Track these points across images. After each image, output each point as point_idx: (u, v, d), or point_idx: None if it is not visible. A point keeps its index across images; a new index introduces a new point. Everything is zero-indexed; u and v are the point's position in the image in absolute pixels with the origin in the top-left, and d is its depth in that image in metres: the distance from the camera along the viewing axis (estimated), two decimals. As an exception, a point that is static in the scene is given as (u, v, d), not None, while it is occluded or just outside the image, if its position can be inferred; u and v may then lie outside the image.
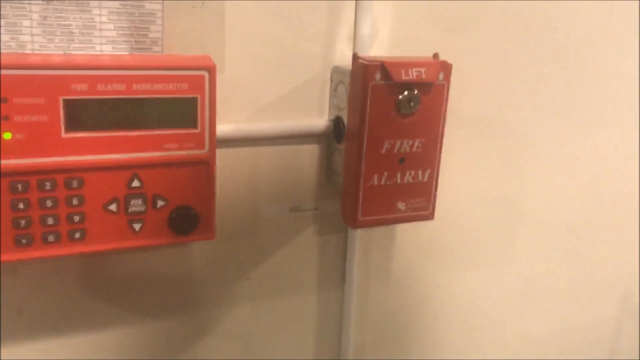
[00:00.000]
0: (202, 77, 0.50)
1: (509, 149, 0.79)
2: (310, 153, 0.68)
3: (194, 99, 0.51)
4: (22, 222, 0.48)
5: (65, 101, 0.47)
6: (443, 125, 0.62)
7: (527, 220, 0.85)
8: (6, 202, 0.47)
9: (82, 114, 0.48)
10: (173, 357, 0.68)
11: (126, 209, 0.51)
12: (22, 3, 0.53)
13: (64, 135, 0.48)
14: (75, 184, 0.49)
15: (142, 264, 0.64)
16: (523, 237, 0.85)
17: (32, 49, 0.54)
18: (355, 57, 0.59)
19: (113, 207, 0.50)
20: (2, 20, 0.52)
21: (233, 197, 0.66)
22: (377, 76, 0.57)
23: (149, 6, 0.57)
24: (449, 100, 0.61)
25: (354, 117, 0.59)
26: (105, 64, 0.47)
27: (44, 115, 0.46)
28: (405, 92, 0.58)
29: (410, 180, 0.62)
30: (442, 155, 0.65)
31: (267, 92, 0.64)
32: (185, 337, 0.69)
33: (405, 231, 0.76)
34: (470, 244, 0.81)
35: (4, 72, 0.45)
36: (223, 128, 0.62)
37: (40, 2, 0.53)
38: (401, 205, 0.62)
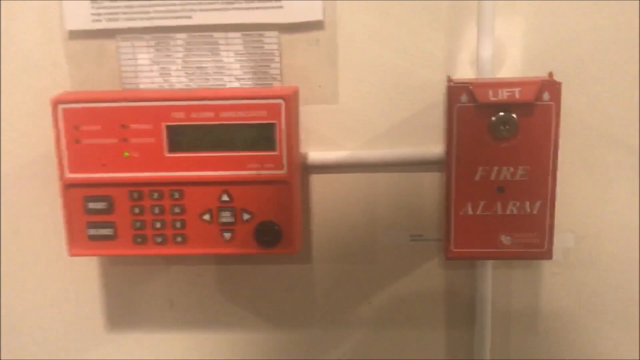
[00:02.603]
0: (279, 105, 0.55)
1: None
2: (431, 181, 0.66)
3: (272, 125, 0.56)
4: (138, 224, 0.59)
5: (168, 127, 0.57)
6: (555, 151, 0.54)
7: None
8: (127, 207, 0.59)
9: (180, 138, 0.57)
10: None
11: (218, 219, 0.59)
12: (170, 52, 0.65)
13: (167, 155, 0.58)
14: (176, 195, 0.58)
15: (270, 276, 0.71)
16: None
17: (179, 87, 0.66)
18: (448, 80, 0.56)
19: (207, 217, 0.59)
20: (156, 66, 0.66)
21: (351, 220, 0.68)
22: (464, 98, 0.54)
23: (267, 46, 0.64)
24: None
25: (446, 142, 0.56)
26: (197, 96, 0.56)
27: (152, 138, 0.57)
28: (499, 115, 0.54)
29: (515, 211, 0.56)
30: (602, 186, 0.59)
31: (383, 120, 0.65)
32: (308, 351, 0.73)
33: (557, 275, 0.68)
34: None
35: (124, 104, 0.57)
36: (338, 154, 0.66)
37: (181, 49, 0.65)
38: (505, 240, 0.57)
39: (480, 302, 0.68)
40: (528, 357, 0.70)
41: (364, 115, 0.65)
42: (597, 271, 0.67)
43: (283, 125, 0.56)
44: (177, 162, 0.58)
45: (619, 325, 0.68)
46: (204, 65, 0.66)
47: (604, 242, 0.66)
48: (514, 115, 0.54)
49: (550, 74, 0.56)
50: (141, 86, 0.66)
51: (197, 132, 0.57)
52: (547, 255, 0.57)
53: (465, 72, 0.63)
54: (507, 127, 0.54)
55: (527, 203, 0.56)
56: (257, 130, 0.56)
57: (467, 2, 0.61)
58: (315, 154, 0.66)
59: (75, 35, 0.66)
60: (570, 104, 0.62)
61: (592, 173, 0.64)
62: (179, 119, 0.57)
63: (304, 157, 0.65)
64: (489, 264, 0.67)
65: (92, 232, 0.60)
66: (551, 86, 0.53)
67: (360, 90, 0.65)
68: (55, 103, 0.58)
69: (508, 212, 0.56)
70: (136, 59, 0.66)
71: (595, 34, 0.61)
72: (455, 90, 0.54)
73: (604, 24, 0.61)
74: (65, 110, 0.57)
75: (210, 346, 0.74)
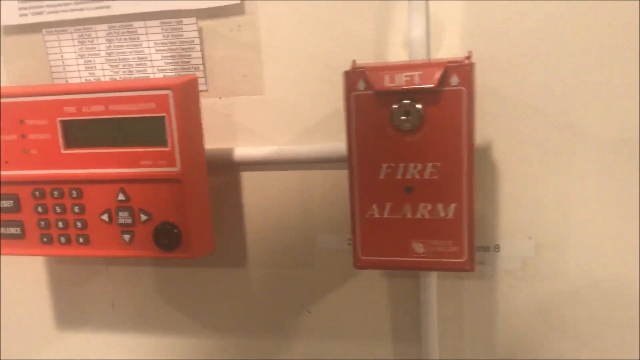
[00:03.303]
0: (166, 96, 0.51)
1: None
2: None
3: (162, 118, 0.52)
4: (43, 223, 0.57)
5: (62, 122, 0.54)
6: (469, 145, 0.46)
7: None
8: (31, 206, 0.57)
9: (75, 133, 0.54)
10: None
11: (117, 220, 0.55)
12: (93, 44, 0.63)
13: (63, 151, 0.55)
14: (75, 194, 0.56)
15: (206, 280, 0.67)
16: None
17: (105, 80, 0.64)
18: (352, 65, 0.50)
19: (105, 217, 0.55)
20: (81, 59, 0.64)
21: (286, 221, 0.63)
22: (361, 85, 0.47)
23: (187, 34, 0.60)
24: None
25: (347, 135, 0.49)
26: (85, 89, 0.53)
27: (48, 134, 0.55)
28: (398, 104, 0.46)
29: (427, 215, 0.48)
30: (564, 187, 0.52)
31: (314, 110, 0.60)
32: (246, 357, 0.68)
33: (514, 288, 0.59)
34: (617, 315, 0.57)
35: (19, 99, 0.55)
36: (264, 150, 0.60)
37: (104, 41, 0.62)
38: (418, 247, 0.49)
39: (425, 315, 0.60)
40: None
41: (293, 105, 0.60)
42: (561, 284, 0.58)
43: (173, 119, 0.51)
44: (74, 158, 0.55)
45: (586, 346, 0.58)
46: (126, 56, 0.63)
47: (567, 250, 0.57)
48: (418, 105, 0.46)
49: (469, 54, 0.48)
50: (70, 80, 0.65)
51: (90, 127, 0.54)
52: (467, 266, 0.49)
53: (398, 55, 0.56)
54: (409, 117, 0.46)
55: (440, 205, 0.48)
56: (147, 124, 0.52)
57: (394, -24, 0.54)
58: (243, 150, 0.61)
59: (9, 30, 0.65)
60: (521, 88, 0.53)
61: (553, 173, 0.55)
62: (71, 113, 0.54)
63: (229, 153, 0.60)
64: (434, 273, 0.59)
65: (3, 230, 0.58)
66: (460, 69, 0.45)
67: (287, 79, 0.60)
68: (-43, 99, 0.57)
69: (419, 215, 0.49)
70: (62, 53, 0.64)
71: (550, 7, 0.52)
72: (351, 77, 0.47)
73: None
74: (-34, 106, 0.56)
75: (149, 350, 0.71)
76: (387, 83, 0.46)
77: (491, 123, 0.55)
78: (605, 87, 0.52)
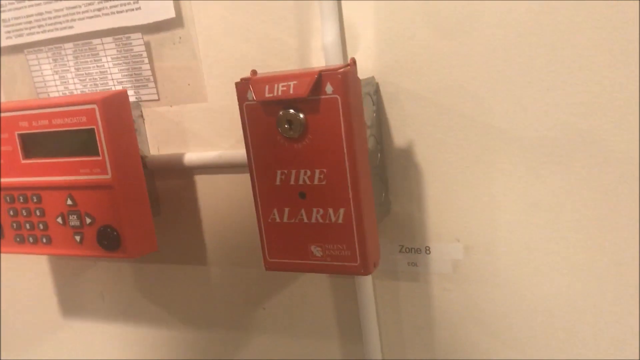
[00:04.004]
0: (93, 110, 0.56)
1: (603, 180, 0.50)
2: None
3: (92, 130, 0.57)
4: (15, 224, 0.64)
5: (19, 135, 0.61)
6: (351, 151, 0.47)
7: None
8: (5, 209, 0.64)
9: (30, 145, 0.61)
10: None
11: (69, 222, 0.61)
12: (64, 61, 0.69)
13: (22, 161, 0.61)
14: (35, 199, 0.62)
15: (175, 275, 0.71)
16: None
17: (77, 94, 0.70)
18: (251, 74, 0.51)
19: (60, 219, 0.61)
20: (56, 75, 0.70)
21: (237, 222, 0.66)
22: (250, 95, 0.49)
23: (136, 49, 0.65)
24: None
25: (245, 143, 0.51)
26: (31, 105, 0.59)
27: (10, 146, 0.62)
28: (280, 113, 0.48)
29: (320, 220, 0.49)
30: (490, 190, 0.52)
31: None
32: (214, 352, 0.72)
33: (448, 291, 0.58)
34: (558, 320, 0.54)
35: (-14, 115, 0.62)
36: (208, 155, 0.64)
37: (72, 58, 0.68)
38: (316, 251, 0.50)
39: (364, 315, 0.61)
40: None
41: (233, 112, 0.62)
42: (492, 288, 0.56)
43: (101, 130, 0.56)
44: (32, 168, 0.61)
45: (522, 350, 0.56)
46: (91, 71, 0.68)
47: (496, 253, 0.55)
48: (300, 114, 0.47)
49: (351, 60, 0.48)
50: (51, 94, 0.71)
51: (39, 139, 0.60)
52: (362, 270, 0.49)
53: (319, 60, 0.57)
54: (291, 125, 0.47)
55: (330, 210, 0.49)
56: (81, 136, 0.57)
57: (309, -17, 0.55)
58: (192, 155, 0.65)
59: (3, 51, 0.73)
60: (438, 89, 0.52)
61: (475, 174, 0.54)
62: (24, 127, 0.60)
63: (180, 158, 0.64)
64: (369, 276, 0.60)
65: (-14, 231, 0.66)
66: (332, 77, 0.45)
67: (225, 86, 0.62)
68: (-57, 116, 0.65)
69: (314, 220, 0.50)
70: (42, 70, 0.71)
71: (463, 6, 0.50)
72: (240, 87, 0.49)
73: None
74: (-49, 122, 0.64)
75: (135, 339, 0.77)
76: (267, 93, 0.47)
77: (411, 125, 0.55)
78: (522, 86, 0.50)
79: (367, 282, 0.60)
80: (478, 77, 0.51)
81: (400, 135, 0.56)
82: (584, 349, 0.54)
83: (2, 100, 0.74)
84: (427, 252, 0.57)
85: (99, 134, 0.56)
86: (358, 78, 0.48)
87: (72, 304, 0.80)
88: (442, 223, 0.56)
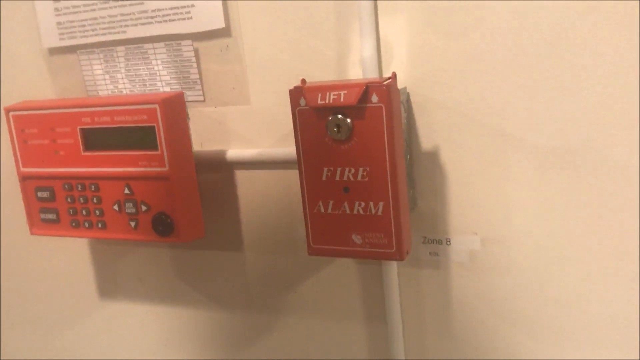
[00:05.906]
0: (155, 109, 0.63)
1: (606, 186, 0.57)
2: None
3: (153, 127, 0.63)
4: (71, 210, 0.71)
5: (80, 130, 0.67)
6: (392, 153, 0.54)
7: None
8: (63, 196, 0.71)
9: (90, 139, 0.67)
10: (233, 346, 0.80)
11: (125, 209, 0.68)
12: (115, 62, 0.75)
13: (83, 153, 0.68)
14: (93, 188, 0.69)
15: (211, 260, 0.78)
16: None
17: (126, 93, 0.76)
18: (301, 82, 0.58)
19: (116, 207, 0.68)
20: (107, 75, 0.77)
21: (273, 213, 0.73)
22: (302, 101, 0.56)
23: (186, 54, 0.71)
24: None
25: (295, 143, 0.59)
26: (96, 103, 0.65)
27: (71, 139, 0.68)
28: (330, 118, 0.55)
29: (361, 212, 0.57)
30: (505, 187, 0.59)
31: (289, 119, 0.69)
32: (245, 332, 0.79)
33: (464, 278, 0.66)
34: (567, 308, 0.62)
35: (50, 111, 0.68)
36: (249, 152, 0.71)
37: (123, 60, 0.75)
38: (357, 239, 0.58)
39: (389, 300, 0.68)
40: (444, 358, 0.69)
41: (274, 114, 0.69)
42: (506, 276, 0.64)
43: (161, 128, 0.63)
44: (91, 159, 0.68)
45: (531, 334, 0.64)
46: (140, 73, 0.75)
47: (510, 245, 0.63)
48: (347, 119, 0.54)
49: (393, 74, 0.55)
50: (100, 93, 0.78)
51: (101, 133, 0.66)
52: (397, 256, 0.56)
53: (356, 73, 0.64)
54: (340, 129, 0.55)
55: (371, 204, 0.56)
56: (142, 132, 0.64)
57: (350, 2, 0.62)
58: (234, 152, 0.71)
59: (53, 51, 0.79)
60: (462, 100, 0.60)
61: (491, 177, 0.61)
62: (87, 123, 0.67)
63: (222, 154, 0.71)
64: (395, 262, 0.67)
65: (43, 216, 0.73)
66: (378, 88, 0.53)
67: (268, 91, 0.69)
68: (7, 111, 0.71)
69: (355, 212, 0.57)
70: (93, 70, 0.77)
71: (484, 28, 0.58)
72: (294, 94, 0.56)
73: (491, 18, 0.57)
74: (14, 116, 0.71)
75: (172, 319, 0.84)
76: (319, 100, 0.54)
77: (437, 131, 0.62)
78: (535, 100, 0.58)
79: (392, 269, 0.67)
80: (497, 91, 0.59)
81: (426, 139, 0.63)
82: (589, 333, 0.62)
83: (52, 97, 0.80)
84: (448, 243, 0.65)
85: (158, 131, 0.63)
86: (398, 90, 0.55)
87: (110, 286, 0.86)
88: (461, 218, 0.64)
